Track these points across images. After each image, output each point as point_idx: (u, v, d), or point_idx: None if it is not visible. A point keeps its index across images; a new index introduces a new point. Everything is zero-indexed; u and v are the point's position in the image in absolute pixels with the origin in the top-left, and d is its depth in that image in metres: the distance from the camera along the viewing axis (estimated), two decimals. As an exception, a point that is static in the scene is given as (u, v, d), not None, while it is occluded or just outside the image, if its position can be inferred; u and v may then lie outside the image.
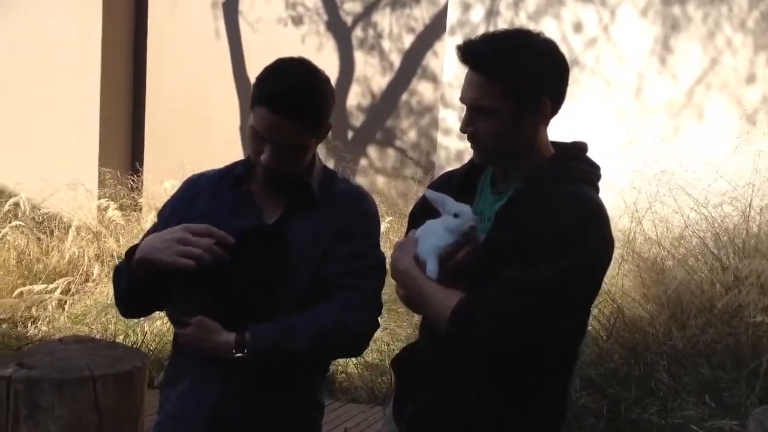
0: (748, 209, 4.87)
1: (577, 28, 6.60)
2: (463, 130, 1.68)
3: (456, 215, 1.63)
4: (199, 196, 1.85)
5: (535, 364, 1.61)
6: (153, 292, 1.75)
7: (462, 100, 1.66)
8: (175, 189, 1.96)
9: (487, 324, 1.54)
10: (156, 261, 1.67)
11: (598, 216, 1.60)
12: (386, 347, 4.85)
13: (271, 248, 1.73)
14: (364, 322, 1.77)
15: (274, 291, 1.72)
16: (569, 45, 6.47)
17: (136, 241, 1.91)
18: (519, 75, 1.59)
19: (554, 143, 1.73)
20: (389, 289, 1.89)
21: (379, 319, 1.84)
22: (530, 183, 1.63)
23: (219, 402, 1.74)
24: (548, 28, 6.46)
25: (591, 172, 1.68)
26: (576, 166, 1.67)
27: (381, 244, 1.89)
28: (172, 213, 1.86)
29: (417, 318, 4.80)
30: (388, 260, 1.80)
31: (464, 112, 1.66)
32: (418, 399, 1.73)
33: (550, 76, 1.64)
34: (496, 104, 1.60)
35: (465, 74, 1.65)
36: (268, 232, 1.76)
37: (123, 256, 1.81)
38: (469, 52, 1.63)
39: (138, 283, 1.73)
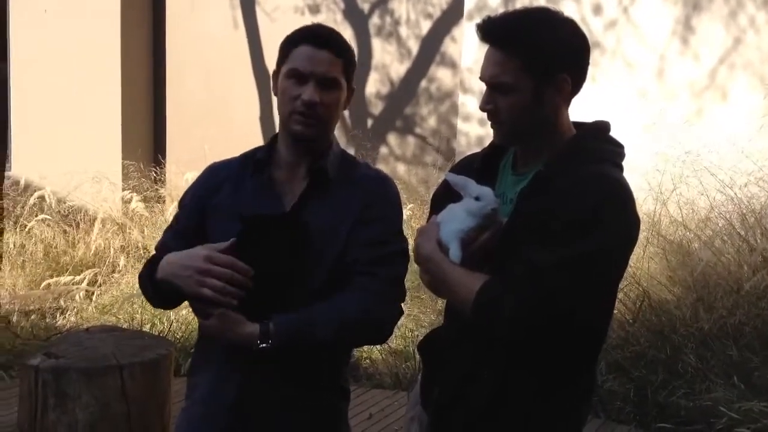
0: (774, 189, 4.81)
1: (597, 10, 6.53)
2: (482, 108, 1.66)
3: (477, 198, 1.62)
4: (221, 187, 1.84)
5: (561, 346, 1.60)
6: (179, 296, 1.78)
7: (482, 78, 1.65)
8: (197, 180, 1.96)
9: (511, 306, 1.52)
10: (177, 287, 1.70)
11: (622, 195, 1.58)
12: (410, 333, 4.86)
13: (287, 235, 1.72)
14: (388, 310, 1.76)
15: (296, 280, 1.71)
16: (589, 27, 6.39)
17: (161, 232, 1.92)
18: (537, 50, 1.58)
19: (576, 123, 1.71)
20: (412, 275, 1.88)
21: (402, 305, 1.82)
22: (552, 164, 1.62)
23: (242, 390, 1.75)
24: (567, 10, 6.31)
25: (614, 151, 1.66)
26: (598, 146, 1.65)
27: (403, 231, 1.87)
28: (194, 202, 1.87)
29: (441, 303, 4.81)
30: (411, 246, 1.79)
31: (485, 90, 1.64)
32: (443, 383, 1.73)
33: (569, 52, 1.62)
34: (516, 80, 1.58)
35: (484, 53, 1.64)
36: (279, 218, 1.75)
37: (145, 265, 1.85)
38: (488, 28, 1.62)
39: (163, 290, 1.77)
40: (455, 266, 1.61)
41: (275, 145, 1.83)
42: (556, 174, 1.59)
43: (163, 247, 1.83)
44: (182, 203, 1.92)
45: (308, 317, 1.68)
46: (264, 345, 1.66)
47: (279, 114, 1.79)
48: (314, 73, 1.71)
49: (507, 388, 1.64)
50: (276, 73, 1.79)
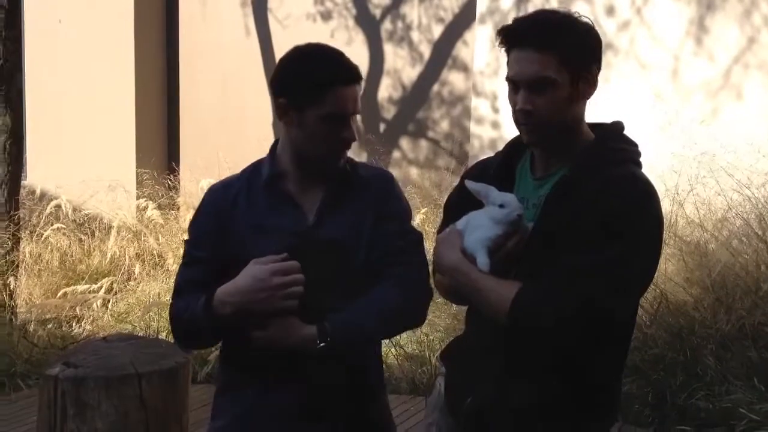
0: (792, 189, 4.76)
1: (610, 11, 6.50)
2: (521, 108, 1.62)
3: (501, 205, 1.61)
4: (236, 203, 1.83)
5: (594, 349, 1.60)
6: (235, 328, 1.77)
7: (518, 79, 1.62)
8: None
9: (551, 313, 1.52)
10: (261, 312, 1.70)
11: (651, 194, 1.60)
12: (425, 338, 4.85)
13: (324, 257, 1.75)
14: (422, 294, 1.83)
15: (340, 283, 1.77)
16: (602, 28, 6.35)
17: (177, 240, 1.93)
18: (570, 43, 1.60)
19: (591, 124, 1.72)
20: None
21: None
22: (578, 167, 1.62)
23: (308, 396, 1.77)
24: (580, 11, 6.30)
25: (634, 151, 1.68)
26: (619, 147, 1.66)
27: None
28: (216, 224, 1.83)
29: (455, 308, 4.79)
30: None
31: (520, 92, 1.61)
32: (477, 391, 1.71)
33: (596, 43, 1.66)
34: (557, 74, 1.59)
35: (513, 56, 1.62)
36: (316, 242, 1.77)
37: (203, 309, 1.75)
38: (517, 30, 1.63)
39: (220, 325, 1.75)
40: (485, 275, 1.60)
41: (276, 158, 1.83)
42: (583, 177, 1.60)
43: (190, 284, 1.80)
44: (193, 232, 1.88)
45: (356, 313, 1.74)
46: (323, 344, 1.70)
47: (306, 150, 1.78)
48: (356, 112, 1.76)
49: (543, 395, 1.63)
50: (295, 108, 1.74)
